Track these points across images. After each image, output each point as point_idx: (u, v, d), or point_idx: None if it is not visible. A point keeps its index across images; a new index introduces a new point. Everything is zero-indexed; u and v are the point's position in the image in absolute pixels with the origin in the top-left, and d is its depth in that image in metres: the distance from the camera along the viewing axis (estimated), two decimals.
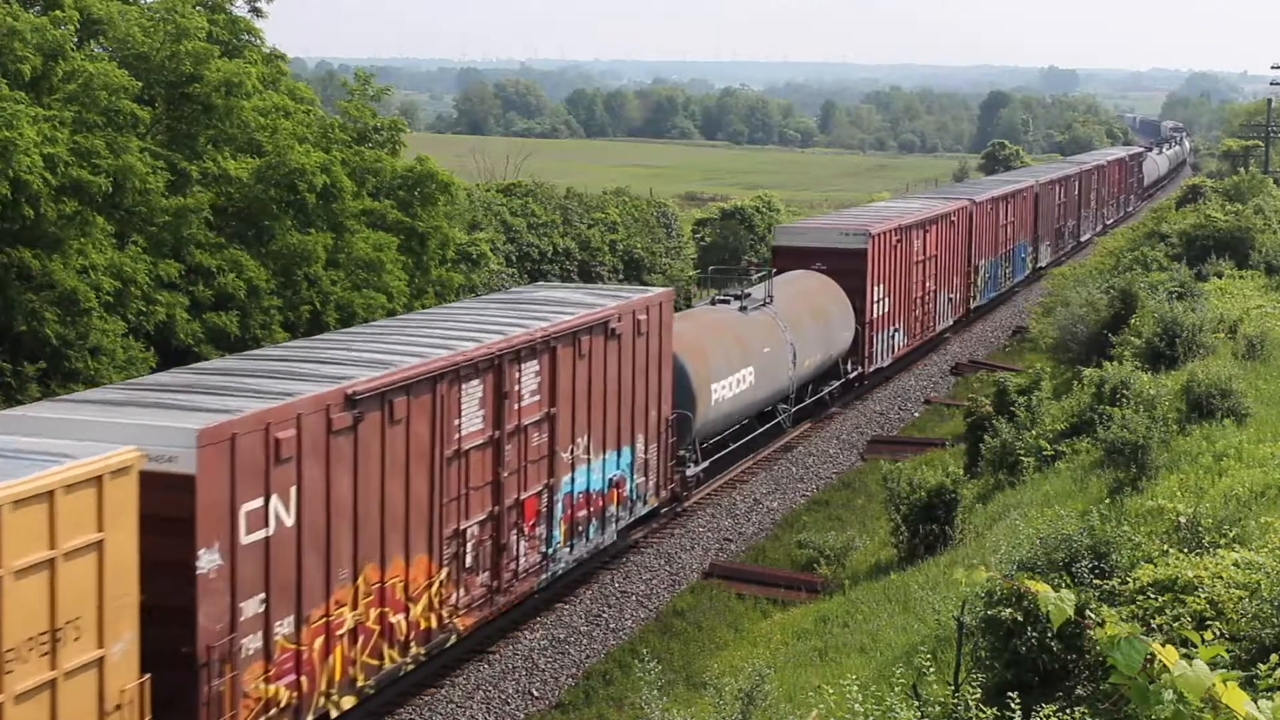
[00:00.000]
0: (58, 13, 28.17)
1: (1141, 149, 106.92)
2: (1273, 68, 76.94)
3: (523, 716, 20.88)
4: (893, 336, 40.57)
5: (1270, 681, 10.67)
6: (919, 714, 12.99)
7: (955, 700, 13.29)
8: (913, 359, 43.82)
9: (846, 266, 37.23)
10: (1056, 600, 4.84)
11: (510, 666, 21.93)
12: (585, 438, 23.44)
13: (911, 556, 24.08)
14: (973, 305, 49.76)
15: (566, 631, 23.39)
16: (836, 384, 37.33)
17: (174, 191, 28.42)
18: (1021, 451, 26.48)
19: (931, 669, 14.77)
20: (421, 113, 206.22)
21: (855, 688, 13.29)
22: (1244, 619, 12.99)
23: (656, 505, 26.77)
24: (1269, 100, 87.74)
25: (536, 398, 21.85)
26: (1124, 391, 24.73)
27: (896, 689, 13.86)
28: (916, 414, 39.33)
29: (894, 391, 40.90)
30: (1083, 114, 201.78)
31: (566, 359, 22.57)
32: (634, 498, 25.58)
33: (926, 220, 43.14)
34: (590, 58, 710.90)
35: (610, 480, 24.48)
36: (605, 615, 24.24)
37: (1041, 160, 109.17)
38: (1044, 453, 26.18)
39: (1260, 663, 11.17)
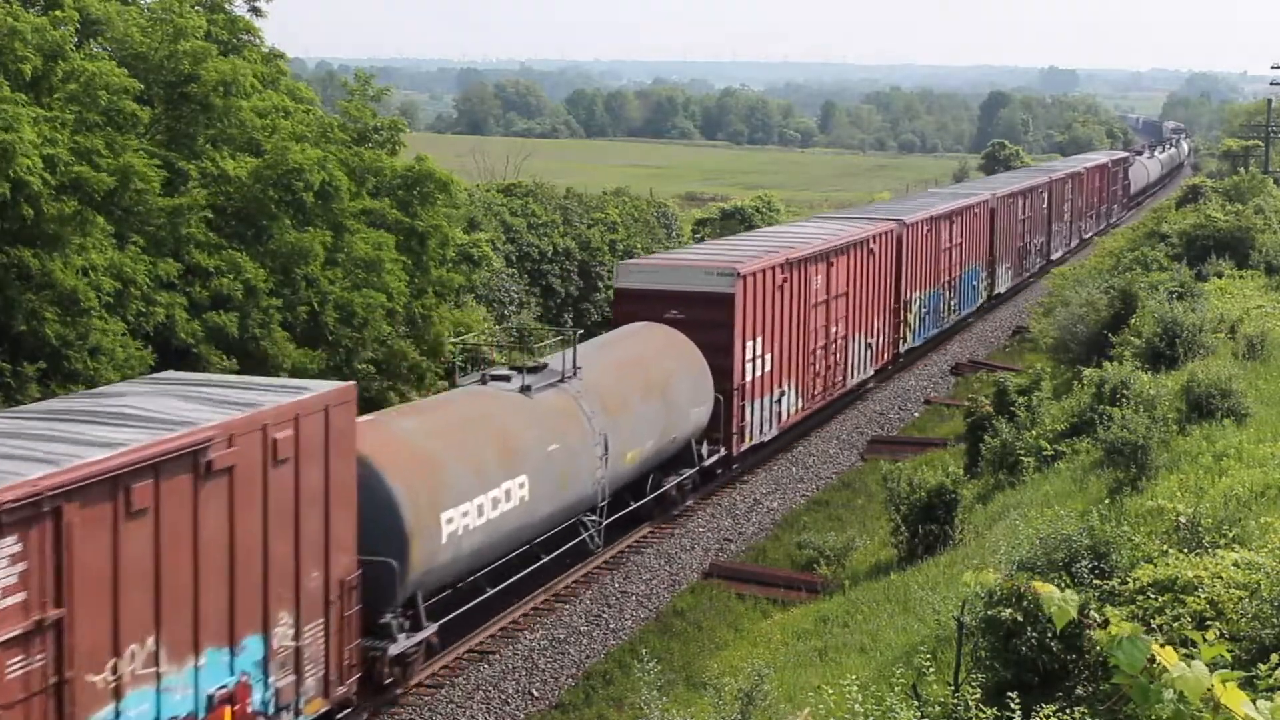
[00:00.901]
0: (58, 13, 28.15)
1: (1128, 153, 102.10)
2: (1273, 68, 77.01)
3: (523, 716, 20.88)
4: (778, 401, 32.33)
5: (1270, 681, 10.67)
6: (919, 714, 13.00)
7: (955, 700, 13.30)
8: (815, 424, 35.91)
9: (708, 316, 29.19)
10: (1061, 601, 4.84)
11: (510, 666, 21.94)
12: (149, 642, 15.16)
13: (911, 556, 24.11)
14: (903, 348, 42.09)
15: (566, 631, 23.39)
16: (689, 473, 28.87)
17: (170, 191, 28.41)
18: (1021, 451, 26.51)
19: (931, 669, 14.79)
20: (421, 113, 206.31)
21: (855, 688, 13.32)
22: (1244, 619, 13.00)
23: (328, 708, 18.15)
24: (1269, 100, 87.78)
25: (17, 598, 13.58)
26: (1124, 391, 24.74)
27: (896, 689, 13.88)
28: (916, 414, 39.37)
29: (894, 391, 40.92)
30: (1083, 114, 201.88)
31: (96, 525, 14.33)
32: (273, 709, 17.15)
33: (832, 250, 34.92)
34: (590, 58, 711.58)
35: (212, 697, 16.16)
36: (605, 615, 24.25)
37: (1041, 160, 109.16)
38: (1044, 453, 26.20)
39: (1260, 663, 11.18)
